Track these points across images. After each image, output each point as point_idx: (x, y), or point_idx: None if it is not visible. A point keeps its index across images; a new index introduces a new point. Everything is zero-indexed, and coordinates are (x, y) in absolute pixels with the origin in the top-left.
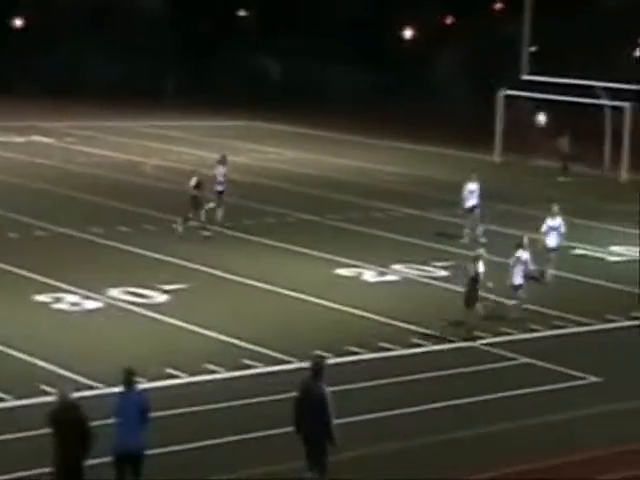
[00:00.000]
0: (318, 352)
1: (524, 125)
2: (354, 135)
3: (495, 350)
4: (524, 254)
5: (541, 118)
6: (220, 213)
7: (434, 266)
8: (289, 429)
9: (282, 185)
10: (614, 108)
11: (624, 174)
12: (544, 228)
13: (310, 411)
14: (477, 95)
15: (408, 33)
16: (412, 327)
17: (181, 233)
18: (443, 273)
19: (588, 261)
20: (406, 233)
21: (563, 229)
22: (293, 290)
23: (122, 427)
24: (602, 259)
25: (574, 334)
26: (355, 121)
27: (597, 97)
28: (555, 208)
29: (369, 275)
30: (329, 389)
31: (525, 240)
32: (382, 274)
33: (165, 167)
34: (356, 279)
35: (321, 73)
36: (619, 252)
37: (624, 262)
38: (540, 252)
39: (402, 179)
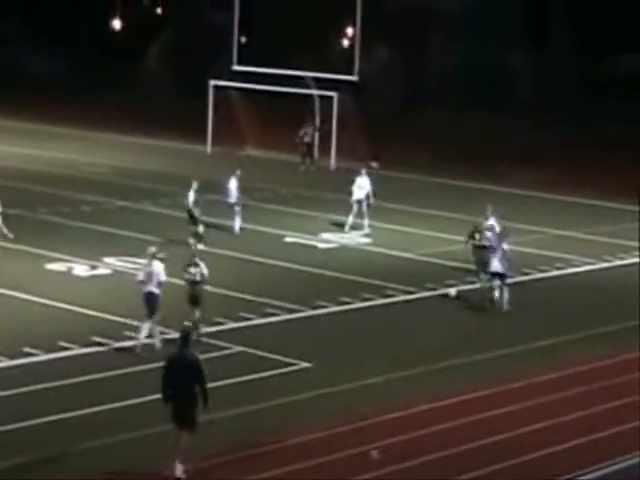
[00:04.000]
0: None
1: (235, 116)
2: (56, 126)
3: (209, 339)
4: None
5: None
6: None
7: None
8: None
9: None
10: (323, 97)
11: (333, 162)
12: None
13: (181, 377)
14: (188, 85)
15: (117, 23)
16: (126, 320)
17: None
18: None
19: (299, 249)
20: (117, 225)
21: (498, 229)
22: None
23: None
24: (313, 246)
25: (286, 321)
26: (57, 111)
27: (307, 87)
28: (489, 208)
29: (80, 269)
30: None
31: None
32: (94, 268)
33: None
34: (67, 273)
35: (19, 60)
36: (330, 239)
37: (334, 249)
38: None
39: (109, 170)
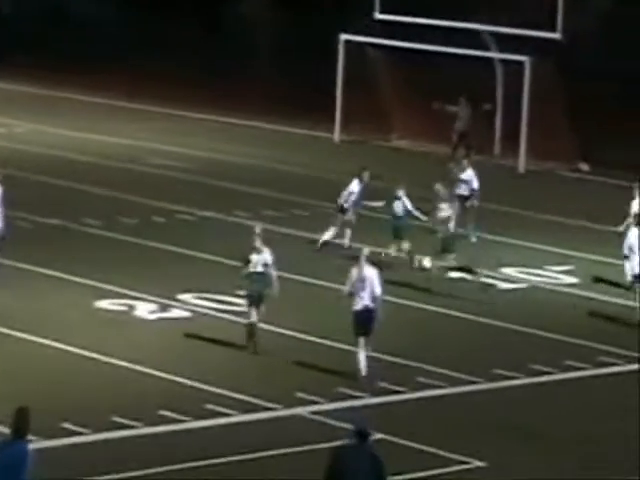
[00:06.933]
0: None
1: (377, 88)
2: (120, 100)
3: (327, 419)
4: None
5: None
6: None
7: (239, 296)
8: None
9: (16, 174)
10: (508, 63)
11: (522, 162)
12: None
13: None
14: (307, 42)
15: None
16: (207, 387)
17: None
18: None
19: (466, 286)
20: (202, 247)
21: None
22: (30, 332)
23: None
24: (491, 286)
25: (441, 397)
26: (119, 81)
27: (484, 47)
28: None
29: (145, 309)
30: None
31: None
32: (164, 308)
33: None
34: (126, 314)
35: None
36: (515, 276)
37: (520, 290)
38: None
39: (189, 165)
